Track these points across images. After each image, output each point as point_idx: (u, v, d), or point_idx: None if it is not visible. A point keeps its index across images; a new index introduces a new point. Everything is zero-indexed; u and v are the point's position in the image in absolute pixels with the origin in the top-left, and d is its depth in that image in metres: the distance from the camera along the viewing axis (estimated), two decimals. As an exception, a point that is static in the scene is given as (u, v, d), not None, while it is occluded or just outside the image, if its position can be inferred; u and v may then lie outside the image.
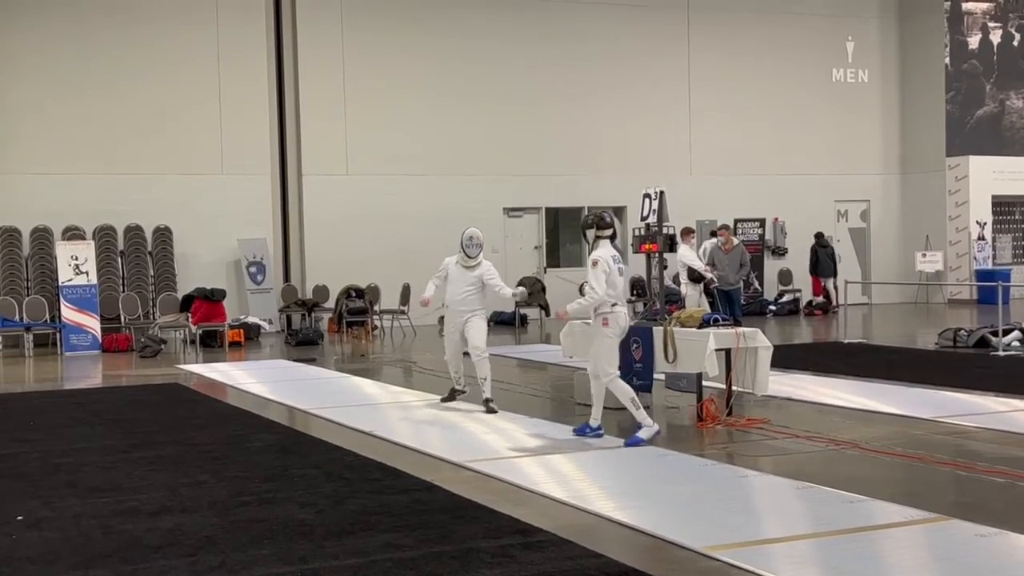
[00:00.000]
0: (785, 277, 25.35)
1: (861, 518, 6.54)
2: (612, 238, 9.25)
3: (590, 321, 9.35)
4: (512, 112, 23.41)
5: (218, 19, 21.39)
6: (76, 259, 19.01)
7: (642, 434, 8.86)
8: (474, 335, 10.94)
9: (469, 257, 10.98)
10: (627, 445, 8.81)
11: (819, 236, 24.57)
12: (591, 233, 9.21)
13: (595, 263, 8.95)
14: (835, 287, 23.61)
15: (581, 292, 9.51)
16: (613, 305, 8.97)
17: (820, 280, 24.42)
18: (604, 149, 23.99)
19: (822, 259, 24.36)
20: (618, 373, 9.10)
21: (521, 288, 11.82)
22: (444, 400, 11.49)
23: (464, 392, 11.41)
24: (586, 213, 9.84)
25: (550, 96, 23.63)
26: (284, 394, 12.73)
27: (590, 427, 9.29)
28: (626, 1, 24.33)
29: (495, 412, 10.72)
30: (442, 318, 20.41)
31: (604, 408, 9.31)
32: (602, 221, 9.22)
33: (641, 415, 8.95)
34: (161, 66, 20.99)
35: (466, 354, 11.17)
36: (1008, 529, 6.11)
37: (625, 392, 9.03)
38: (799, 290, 24.87)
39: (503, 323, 21.92)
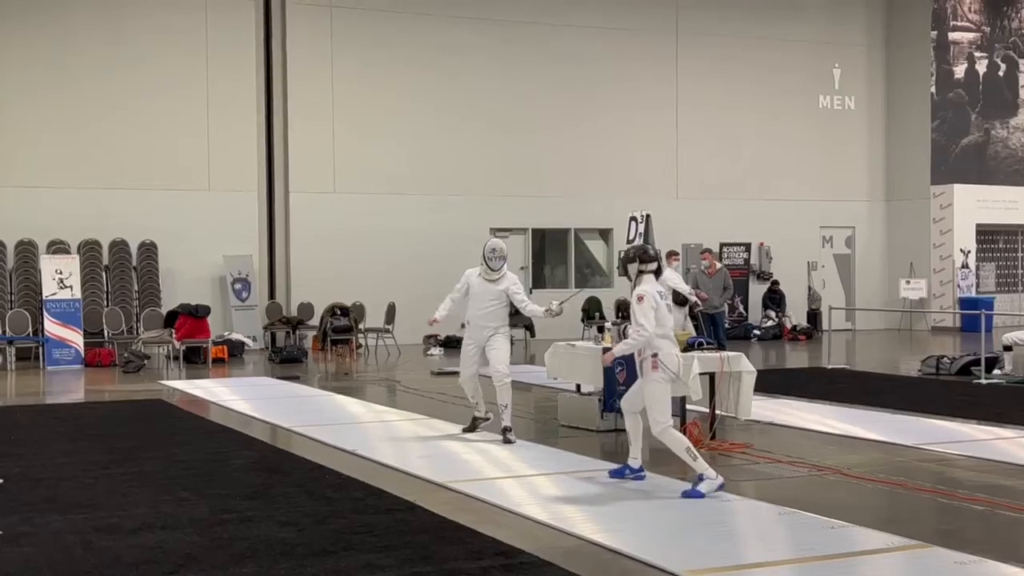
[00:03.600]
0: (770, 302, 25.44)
1: (842, 544, 6.55)
2: (657, 273, 8.41)
3: (575, 343, 9.28)
4: (500, 133, 23.46)
5: (207, 35, 21.42)
6: (60, 273, 18.94)
7: (703, 487, 7.79)
8: (497, 356, 10.27)
9: (492, 270, 10.38)
10: (684, 496, 7.82)
11: (775, 281, 25.41)
12: (633, 268, 8.34)
13: (640, 298, 8.09)
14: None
15: (622, 335, 8.93)
16: (654, 355, 8.05)
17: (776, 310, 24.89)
18: (591, 171, 24.06)
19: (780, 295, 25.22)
20: (671, 423, 8.12)
21: (557, 302, 10.62)
22: (466, 431, 10.72)
23: (487, 420, 10.70)
24: (627, 247, 9.00)
25: (538, 117, 23.70)
26: (267, 412, 12.69)
27: (630, 468, 8.50)
28: (616, 24, 24.46)
29: (512, 443, 10.14)
30: (427, 337, 20.64)
31: (593, 431, 9.24)
32: (646, 255, 8.39)
33: (701, 465, 7.90)
34: (149, 81, 20.97)
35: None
36: (988, 557, 6.13)
37: (679, 443, 8.04)
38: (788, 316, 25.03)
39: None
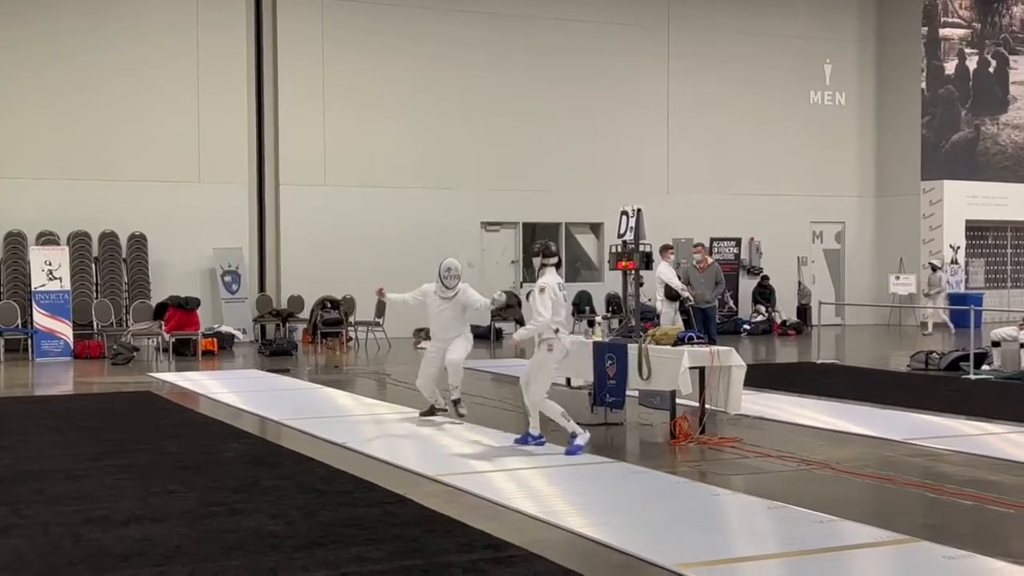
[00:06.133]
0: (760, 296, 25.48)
1: (831, 538, 6.56)
2: (557, 266, 9.69)
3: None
4: (491, 126, 23.45)
5: (198, 27, 21.35)
6: (50, 265, 18.89)
7: (579, 441, 9.18)
8: (453, 349, 10.86)
9: (447, 288, 10.86)
10: (568, 454, 9.11)
11: (765, 276, 25.43)
12: (537, 261, 9.67)
13: (542, 289, 9.34)
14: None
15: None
16: (556, 331, 9.35)
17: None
18: (582, 166, 24.06)
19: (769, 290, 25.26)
20: (546, 395, 9.44)
21: (498, 293, 11.30)
22: (423, 415, 11.34)
23: (445, 410, 11.24)
24: (537, 242, 10.15)
25: (530, 111, 23.68)
26: (257, 404, 12.67)
27: (532, 435, 9.60)
28: (608, 19, 24.45)
29: (464, 415, 10.87)
30: (417, 331, 20.62)
31: (583, 425, 9.37)
32: (548, 250, 9.69)
33: (572, 425, 9.25)
34: (139, 72, 20.92)
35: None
36: (976, 552, 6.15)
37: (555, 409, 9.32)
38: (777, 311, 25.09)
39: (478, 337, 21.81)
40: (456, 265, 10.94)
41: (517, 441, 9.68)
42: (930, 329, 22.86)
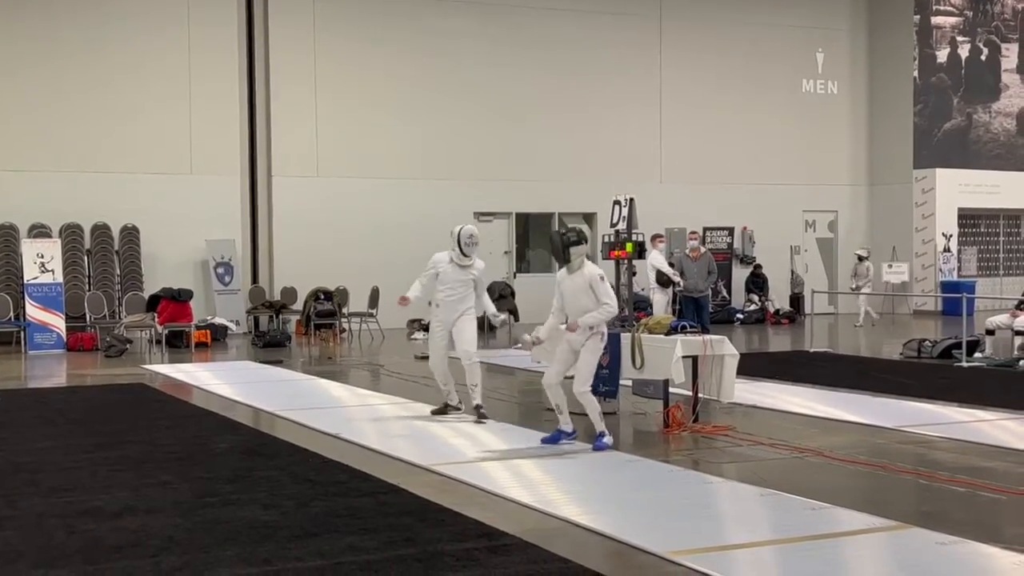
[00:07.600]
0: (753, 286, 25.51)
1: (824, 525, 6.58)
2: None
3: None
4: (484, 117, 23.42)
5: (189, 19, 21.29)
6: (42, 257, 18.85)
7: (607, 441, 8.96)
8: (464, 338, 10.40)
9: (465, 256, 10.42)
10: (596, 449, 8.88)
11: (758, 265, 25.47)
12: (576, 250, 8.92)
13: (603, 277, 8.93)
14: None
15: None
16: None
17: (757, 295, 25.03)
18: (575, 155, 24.04)
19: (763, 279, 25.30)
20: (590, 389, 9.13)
21: (503, 317, 11.18)
22: (435, 412, 10.83)
23: (459, 409, 10.75)
24: (560, 230, 9.54)
25: (522, 101, 23.65)
26: (250, 396, 12.67)
27: (565, 432, 9.19)
28: (599, 9, 24.42)
29: (486, 420, 10.26)
30: (411, 322, 20.61)
31: (577, 414, 9.33)
32: (584, 237, 9.17)
33: (600, 424, 9.04)
34: (131, 64, 20.87)
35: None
36: (968, 537, 6.18)
37: (595, 406, 9.05)
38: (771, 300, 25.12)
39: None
40: (476, 232, 10.50)
41: (546, 441, 9.20)
42: (861, 320, 22.71)
